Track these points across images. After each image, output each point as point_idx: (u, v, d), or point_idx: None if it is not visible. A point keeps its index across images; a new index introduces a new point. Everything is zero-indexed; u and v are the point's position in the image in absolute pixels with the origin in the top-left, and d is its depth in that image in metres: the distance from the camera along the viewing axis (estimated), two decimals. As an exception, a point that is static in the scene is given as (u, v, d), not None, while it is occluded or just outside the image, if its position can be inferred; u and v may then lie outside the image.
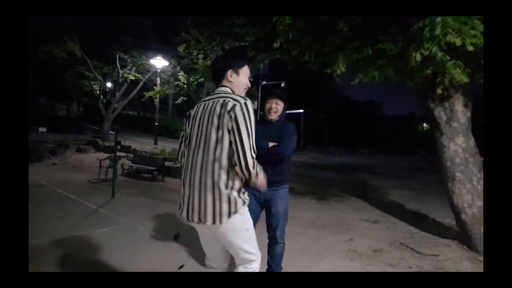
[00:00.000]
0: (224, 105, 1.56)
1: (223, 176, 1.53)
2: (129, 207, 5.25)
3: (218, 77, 1.73)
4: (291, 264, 2.97)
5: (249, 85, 1.82)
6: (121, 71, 15.94)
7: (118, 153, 8.72)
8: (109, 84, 18.54)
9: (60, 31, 14.09)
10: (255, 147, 1.55)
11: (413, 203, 6.52)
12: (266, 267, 2.66)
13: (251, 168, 1.50)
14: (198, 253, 3.02)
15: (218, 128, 1.55)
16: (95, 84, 17.33)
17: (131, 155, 11.14)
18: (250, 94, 15.91)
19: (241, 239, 1.63)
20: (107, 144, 13.92)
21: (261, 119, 2.59)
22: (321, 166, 15.13)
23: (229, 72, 1.70)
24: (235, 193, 1.55)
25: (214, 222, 1.53)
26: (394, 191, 8.12)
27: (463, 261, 3.45)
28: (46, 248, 3.26)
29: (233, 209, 1.54)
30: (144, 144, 15.52)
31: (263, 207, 2.55)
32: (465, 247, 3.78)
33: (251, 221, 1.68)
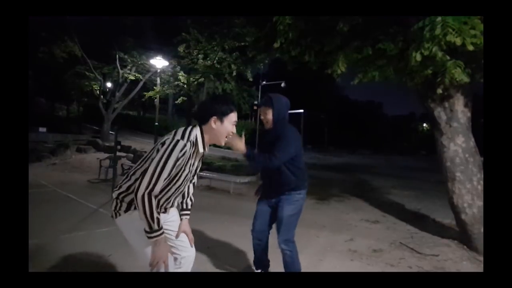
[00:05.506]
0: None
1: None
2: (129, 207, 5.23)
3: (202, 120, 1.68)
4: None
5: (234, 131, 1.75)
6: (121, 71, 15.95)
7: (118, 153, 8.72)
8: (109, 84, 18.56)
9: (60, 31, 14.11)
10: (158, 182, 1.50)
11: (413, 203, 6.51)
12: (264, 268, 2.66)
13: (138, 194, 1.48)
14: (198, 253, 3.01)
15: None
16: (95, 84, 17.35)
17: (131, 155, 11.15)
18: (250, 94, 15.88)
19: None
20: (107, 144, 13.93)
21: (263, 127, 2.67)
22: (321, 166, 15.11)
23: (213, 119, 1.65)
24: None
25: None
26: (394, 191, 8.11)
27: (463, 261, 3.45)
28: (46, 248, 3.26)
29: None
30: (144, 144, 15.53)
31: (273, 210, 2.55)
32: (465, 247, 3.78)
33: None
